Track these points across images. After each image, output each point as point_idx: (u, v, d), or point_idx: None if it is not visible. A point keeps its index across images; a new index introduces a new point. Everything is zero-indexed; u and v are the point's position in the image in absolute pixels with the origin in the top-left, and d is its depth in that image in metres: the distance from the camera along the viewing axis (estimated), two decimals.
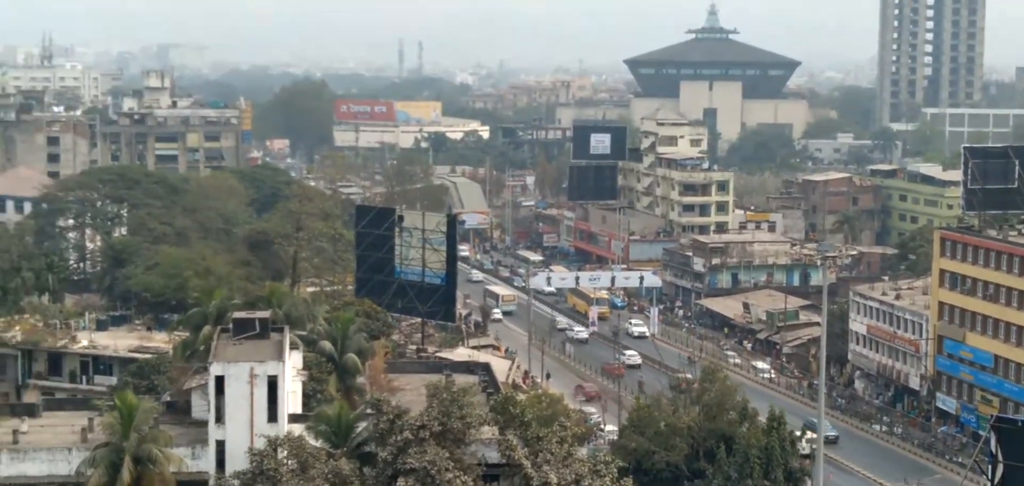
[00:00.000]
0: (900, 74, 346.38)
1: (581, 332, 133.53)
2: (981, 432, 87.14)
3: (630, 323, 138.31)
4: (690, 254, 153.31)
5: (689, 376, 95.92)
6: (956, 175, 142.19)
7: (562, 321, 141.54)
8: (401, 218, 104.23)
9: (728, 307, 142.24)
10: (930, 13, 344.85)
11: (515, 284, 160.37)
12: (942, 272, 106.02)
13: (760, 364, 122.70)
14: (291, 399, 59.96)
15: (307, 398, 66.13)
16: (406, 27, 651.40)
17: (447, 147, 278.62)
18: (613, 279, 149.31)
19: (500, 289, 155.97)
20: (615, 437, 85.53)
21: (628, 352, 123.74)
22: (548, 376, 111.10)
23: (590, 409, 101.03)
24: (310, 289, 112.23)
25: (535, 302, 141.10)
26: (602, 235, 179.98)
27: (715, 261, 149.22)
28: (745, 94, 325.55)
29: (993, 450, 61.52)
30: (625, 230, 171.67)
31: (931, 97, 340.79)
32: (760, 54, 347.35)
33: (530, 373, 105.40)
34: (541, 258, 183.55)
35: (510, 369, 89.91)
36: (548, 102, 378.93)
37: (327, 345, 72.38)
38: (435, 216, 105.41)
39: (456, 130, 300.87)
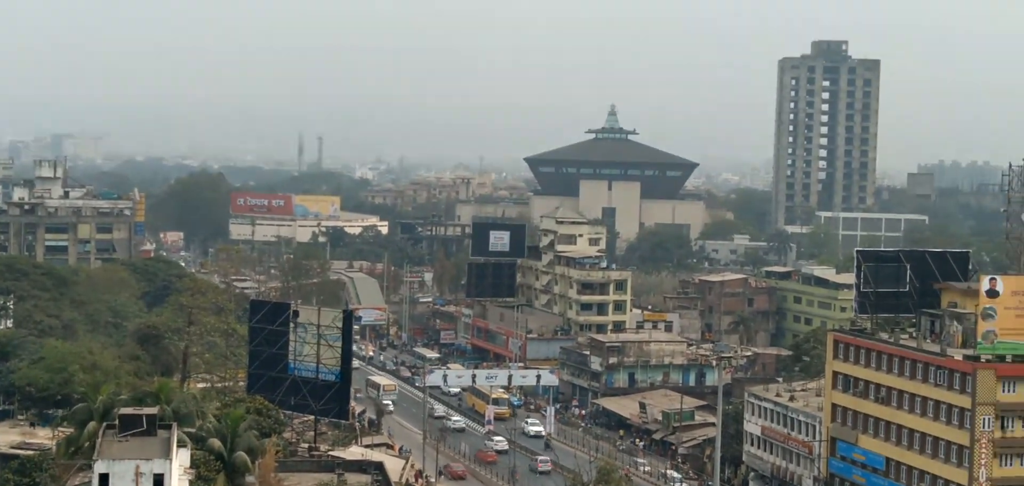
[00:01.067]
0: (795, 178, 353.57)
1: (499, 441, 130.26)
2: None
3: (526, 422, 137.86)
4: (587, 353, 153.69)
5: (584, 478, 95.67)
6: (849, 278, 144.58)
7: (440, 409, 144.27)
8: (296, 313, 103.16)
9: (624, 407, 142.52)
10: (825, 118, 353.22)
11: (416, 383, 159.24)
12: (835, 374, 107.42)
13: (673, 473, 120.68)
14: None
15: None
16: (306, 121, 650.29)
17: (345, 242, 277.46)
18: (510, 377, 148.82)
19: (381, 378, 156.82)
20: None
21: (496, 438, 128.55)
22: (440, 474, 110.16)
23: None
24: (201, 385, 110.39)
25: (429, 397, 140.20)
26: (500, 333, 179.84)
27: (612, 360, 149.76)
28: (643, 194, 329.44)
29: None
30: (523, 328, 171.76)
31: (825, 201, 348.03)
32: (659, 155, 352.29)
33: (424, 472, 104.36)
34: (438, 355, 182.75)
35: (403, 468, 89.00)
36: (448, 198, 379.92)
37: (216, 443, 71.05)
38: (331, 312, 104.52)
39: (355, 225, 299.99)
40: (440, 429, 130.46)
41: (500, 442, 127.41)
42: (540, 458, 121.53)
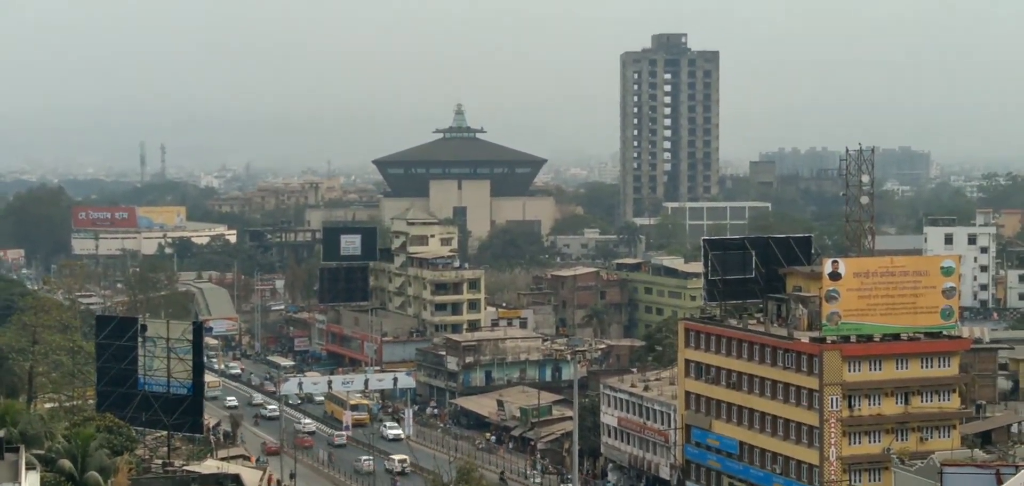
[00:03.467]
0: (641, 170, 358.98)
1: (308, 424, 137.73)
2: None
3: (384, 425, 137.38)
4: (443, 353, 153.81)
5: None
6: (697, 267, 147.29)
7: (258, 397, 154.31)
8: (144, 327, 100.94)
9: (483, 405, 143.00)
10: (668, 111, 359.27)
11: (274, 393, 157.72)
12: (687, 362, 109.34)
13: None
14: None
15: None
16: (147, 130, 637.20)
17: (193, 252, 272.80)
18: (366, 382, 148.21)
19: (281, 359, 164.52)
20: None
21: (305, 420, 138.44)
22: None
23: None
24: (48, 405, 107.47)
25: (288, 409, 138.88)
26: (355, 337, 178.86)
27: (468, 359, 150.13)
28: (494, 192, 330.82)
29: None
30: (377, 331, 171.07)
31: (671, 192, 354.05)
32: (507, 152, 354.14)
33: (282, 481, 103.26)
34: (292, 363, 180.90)
35: (261, 479, 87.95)
36: (297, 204, 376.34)
37: (67, 464, 69.24)
38: (180, 324, 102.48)
39: (202, 235, 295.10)
40: (254, 416, 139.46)
41: (308, 424, 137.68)
42: (397, 457, 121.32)
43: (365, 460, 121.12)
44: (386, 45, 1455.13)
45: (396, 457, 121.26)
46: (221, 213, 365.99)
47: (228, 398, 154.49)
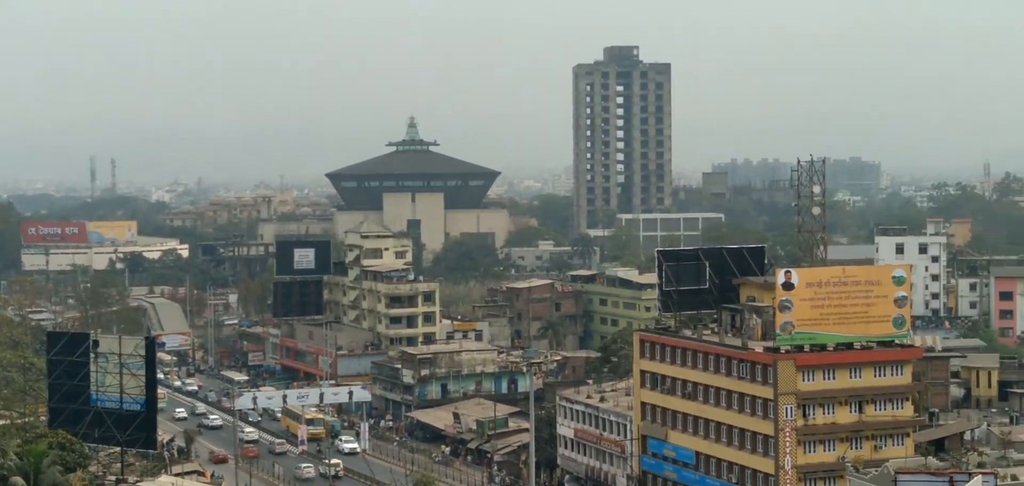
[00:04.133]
0: (595, 182, 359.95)
1: (250, 434, 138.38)
2: None
3: (340, 439, 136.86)
4: (399, 366, 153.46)
5: None
6: (652, 278, 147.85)
7: (201, 407, 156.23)
8: (96, 343, 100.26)
9: (439, 418, 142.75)
10: (620, 123, 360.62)
11: (230, 408, 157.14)
12: (643, 373, 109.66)
13: None
14: None
15: None
16: (96, 145, 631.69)
17: (144, 267, 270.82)
18: (322, 395, 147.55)
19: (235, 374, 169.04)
20: None
21: (247, 429, 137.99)
22: None
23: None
24: (0, 422, 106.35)
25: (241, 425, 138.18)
26: (309, 351, 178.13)
27: (424, 372, 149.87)
28: (447, 204, 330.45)
29: None
30: (332, 345, 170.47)
31: (625, 203, 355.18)
32: (460, 165, 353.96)
33: None
34: (247, 378, 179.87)
35: None
36: (249, 218, 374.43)
37: (19, 481, 68.62)
38: (133, 339, 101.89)
39: (153, 249, 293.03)
40: (197, 426, 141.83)
41: (251, 433, 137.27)
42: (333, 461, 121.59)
43: (305, 467, 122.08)
44: (337, 59, 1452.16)
45: (332, 461, 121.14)
46: (173, 227, 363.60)
47: (177, 409, 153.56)
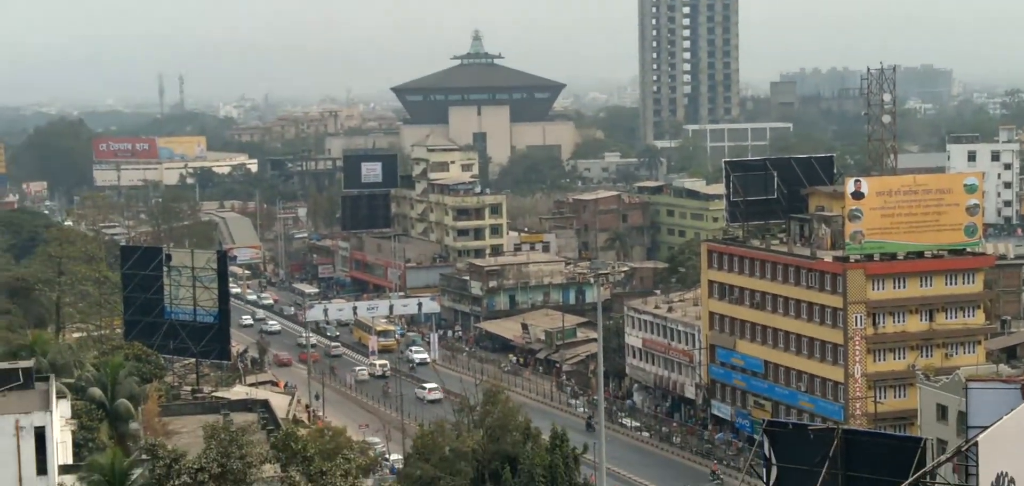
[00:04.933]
0: (661, 93, 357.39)
1: (310, 338, 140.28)
2: (755, 436, 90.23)
3: (411, 350, 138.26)
4: (467, 278, 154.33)
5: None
6: (719, 189, 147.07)
7: (260, 313, 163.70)
8: (169, 257, 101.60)
9: (507, 329, 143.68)
10: (686, 33, 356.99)
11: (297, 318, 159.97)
12: (711, 283, 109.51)
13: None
14: (61, 450, 57.62)
15: (78, 448, 63.71)
16: (165, 61, 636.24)
17: (214, 182, 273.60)
18: (391, 307, 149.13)
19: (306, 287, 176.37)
20: (401, 466, 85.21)
21: (306, 333, 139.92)
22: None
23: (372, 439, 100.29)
24: (76, 335, 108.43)
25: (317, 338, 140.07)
26: (378, 264, 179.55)
27: (492, 284, 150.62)
28: (513, 117, 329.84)
29: (766, 453, 63.56)
30: (401, 258, 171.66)
31: (691, 114, 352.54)
32: (526, 78, 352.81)
33: (311, 406, 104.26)
34: (317, 290, 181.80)
35: (290, 404, 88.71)
36: (316, 133, 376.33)
37: (97, 392, 69.96)
38: (204, 253, 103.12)
39: (223, 164, 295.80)
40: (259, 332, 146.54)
41: (361, 371, 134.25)
42: (428, 386, 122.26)
43: (359, 369, 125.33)
44: None
45: (428, 385, 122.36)
46: (241, 143, 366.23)
47: (242, 317, 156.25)
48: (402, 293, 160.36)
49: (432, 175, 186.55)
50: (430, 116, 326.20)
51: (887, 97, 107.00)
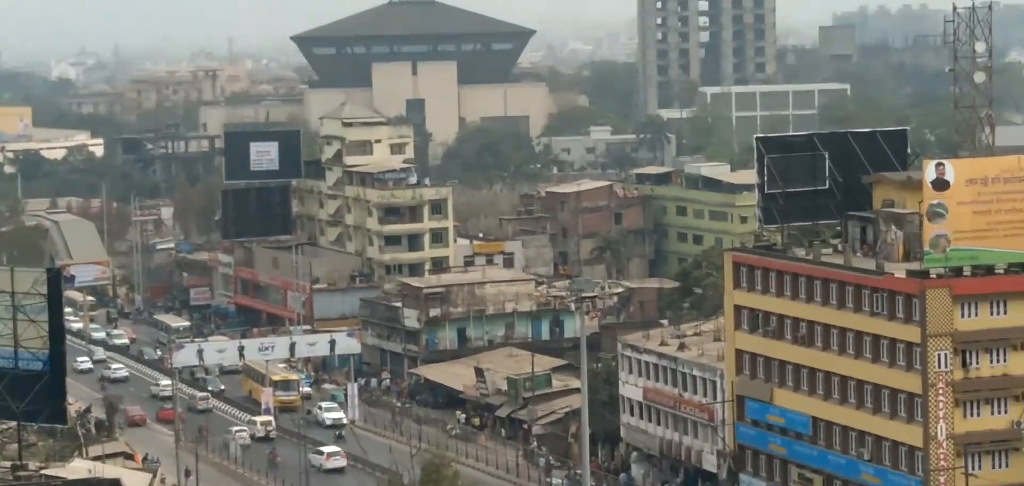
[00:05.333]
0: (668, 43, 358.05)
1: (164, 388, 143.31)
2: None
3: (320, 407, 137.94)
4: (398, 305, 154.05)
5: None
6: (749, 176, 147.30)
7: (99, 353, 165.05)
8: None
9: (455, 375, 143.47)
10: None
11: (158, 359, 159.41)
12: (738, 309, 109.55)
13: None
14: None
15: None
16: None
17: (44, 172, 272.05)
18: (292, 347, 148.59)
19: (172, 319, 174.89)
20: None
21: (162, 381, 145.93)
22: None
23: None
24: None
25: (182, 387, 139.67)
26: (274, 285, 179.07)
27: (433, 313, 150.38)
28: (462, 78, 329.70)
29: None
30: (306, 277, 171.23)
31: (710, 72, 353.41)
32: (480, 21, 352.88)
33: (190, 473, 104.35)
34: (188, 324, 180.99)
35: (150, 484, 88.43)
36: (187, 100, 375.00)
37: None
38: (29, 273, 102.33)
39: (56, 147, 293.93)
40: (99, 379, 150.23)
41: (163, 389, 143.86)
42: (326, 450, 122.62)
43: (236, 431, 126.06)
44: None
45: (326, 450, 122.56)
46: (82, 115, 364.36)
47: (77, 359, 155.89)
48: (307, 327, 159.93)
49: (349, 160, 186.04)
50: (347, 76, 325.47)
51: (981, 47, 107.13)
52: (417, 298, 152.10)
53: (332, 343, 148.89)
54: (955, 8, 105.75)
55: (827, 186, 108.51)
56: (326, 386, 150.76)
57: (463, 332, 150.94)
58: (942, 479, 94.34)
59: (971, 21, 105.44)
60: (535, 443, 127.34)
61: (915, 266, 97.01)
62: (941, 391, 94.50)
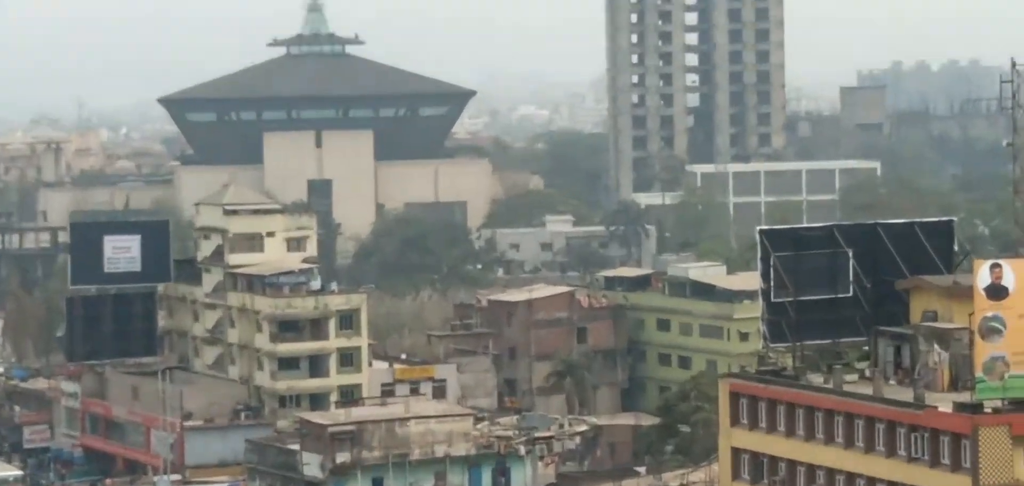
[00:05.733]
0: (647, 107, 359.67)
1: None
2: None
3: None
4: (297, 448, 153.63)
5: None
6: (750, 280, 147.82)
7: None
8: None
9: None
10: (693, 1, 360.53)
11: None
12: (737, 453, 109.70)
13: None
14: None
15: None
16: None
17: None
18: None
19: None
20: None
21: None
22: None
23: None
24: None
25: None
26: (133, 422, 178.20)
27: (342, 458, 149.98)
28: (380, 152, 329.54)
29: None
30: (175, 411, 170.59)
31: (701, 146, 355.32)
32: (404, 79, 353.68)
33: None
34: (22, 472, 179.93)
35: None
36: (23, 181, 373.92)
37: None
38: None
39: None
40: None
41: None
42: None
43: None
44: None
45: None
46: None
47: None
48: (177, 476, 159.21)
49: (233, 258, 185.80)
50: (230, 149, 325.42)
51: None
52: (321, 439, 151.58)
53: None
54: (1014, 64, 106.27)
55: (851, 293, 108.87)
56: None
57: (380, 483, 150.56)
58: None
59: None
60: None
61: (964, 397, 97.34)
62: None
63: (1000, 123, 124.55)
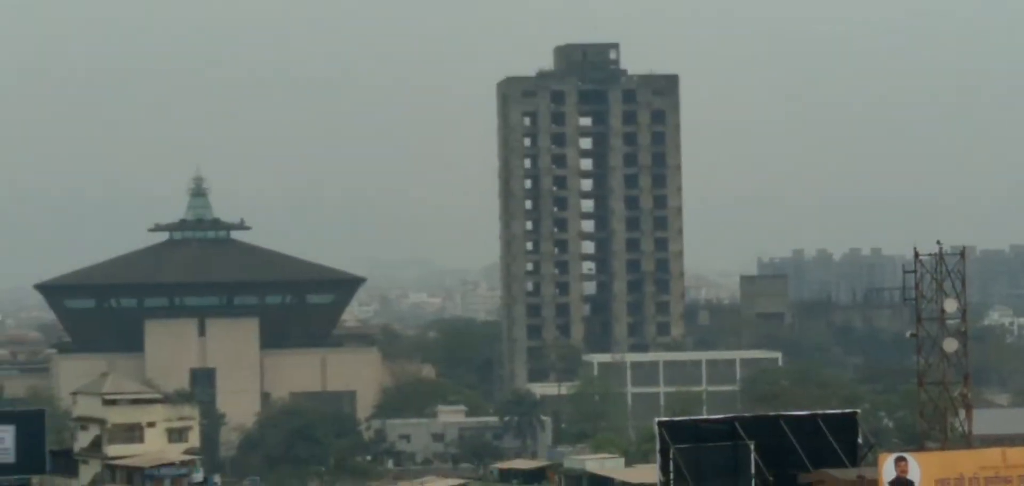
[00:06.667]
0: (542, 295, 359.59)
1: None
2: None
3: None
4: None
5: None
6: (647, 474, 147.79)
7: None
8: None
9: None
10: (589, 184, 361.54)
11: None
12: None
13: None
14: None
15: None
16: None
17: None
18: None
19: None
20: None
21: None
22: None
23: None
24: None
25: None
26: None
27: None
28: (266, 340, 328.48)
29: None
30: None
31: (598, 334, 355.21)
32: (291, 266, 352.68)
33: None
34: None
35: None
36: None
37: None
38: None
39: None
40: None
41: None
42: None
43: None
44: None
45: None
46: None
47: None
48: None
49: (112, 450, 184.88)
50: (110, 337, 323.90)
51: (951, 304, 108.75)
52: None
53: None
54: (917, 254, 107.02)
55: None
56: None
57: None
58: None
59: (938, 271, 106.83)
60: None
61: None
62: None
63: (904, 313, 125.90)
